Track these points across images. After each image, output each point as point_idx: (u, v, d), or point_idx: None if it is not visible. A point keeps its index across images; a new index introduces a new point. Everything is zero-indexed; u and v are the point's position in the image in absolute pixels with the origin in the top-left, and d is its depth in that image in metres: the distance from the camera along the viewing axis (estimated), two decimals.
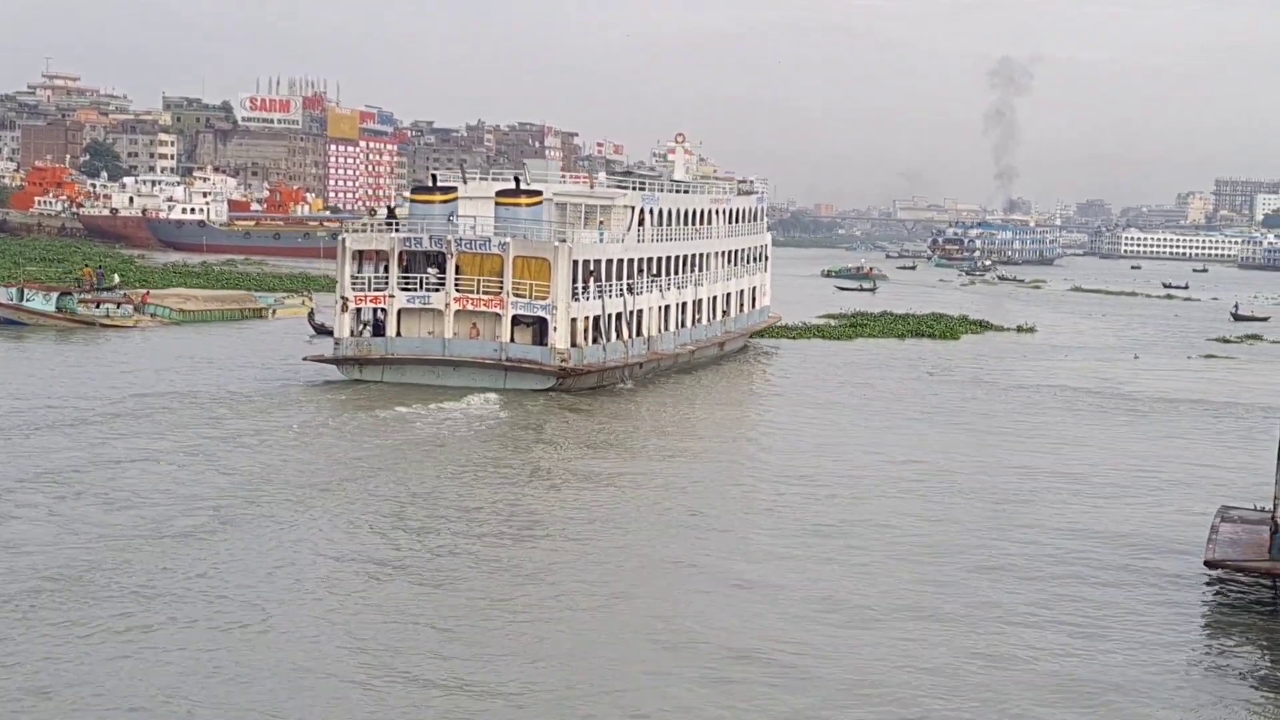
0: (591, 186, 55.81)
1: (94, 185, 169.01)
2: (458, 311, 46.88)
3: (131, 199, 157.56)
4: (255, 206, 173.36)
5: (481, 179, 57.80)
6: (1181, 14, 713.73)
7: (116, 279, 71.20)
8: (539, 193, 49.38)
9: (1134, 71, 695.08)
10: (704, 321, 59.41)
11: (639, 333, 52.08)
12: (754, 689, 19.93)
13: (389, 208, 54.04)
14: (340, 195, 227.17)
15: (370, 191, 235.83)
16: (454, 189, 50.67)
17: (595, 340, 48.68)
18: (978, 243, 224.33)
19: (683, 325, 56.83)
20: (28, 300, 61.33)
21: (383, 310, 47.69)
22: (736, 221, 65.62)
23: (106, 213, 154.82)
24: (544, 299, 46.68)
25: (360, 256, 48.36)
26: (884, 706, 19.46)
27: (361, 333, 47.87)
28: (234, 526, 27.12)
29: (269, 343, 58.68)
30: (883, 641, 22.08)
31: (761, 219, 71.26)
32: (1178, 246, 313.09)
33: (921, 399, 50.18)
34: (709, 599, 24.16)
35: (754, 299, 67.34)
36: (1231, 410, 50.47)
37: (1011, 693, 20.21)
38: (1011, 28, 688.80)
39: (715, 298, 61.11)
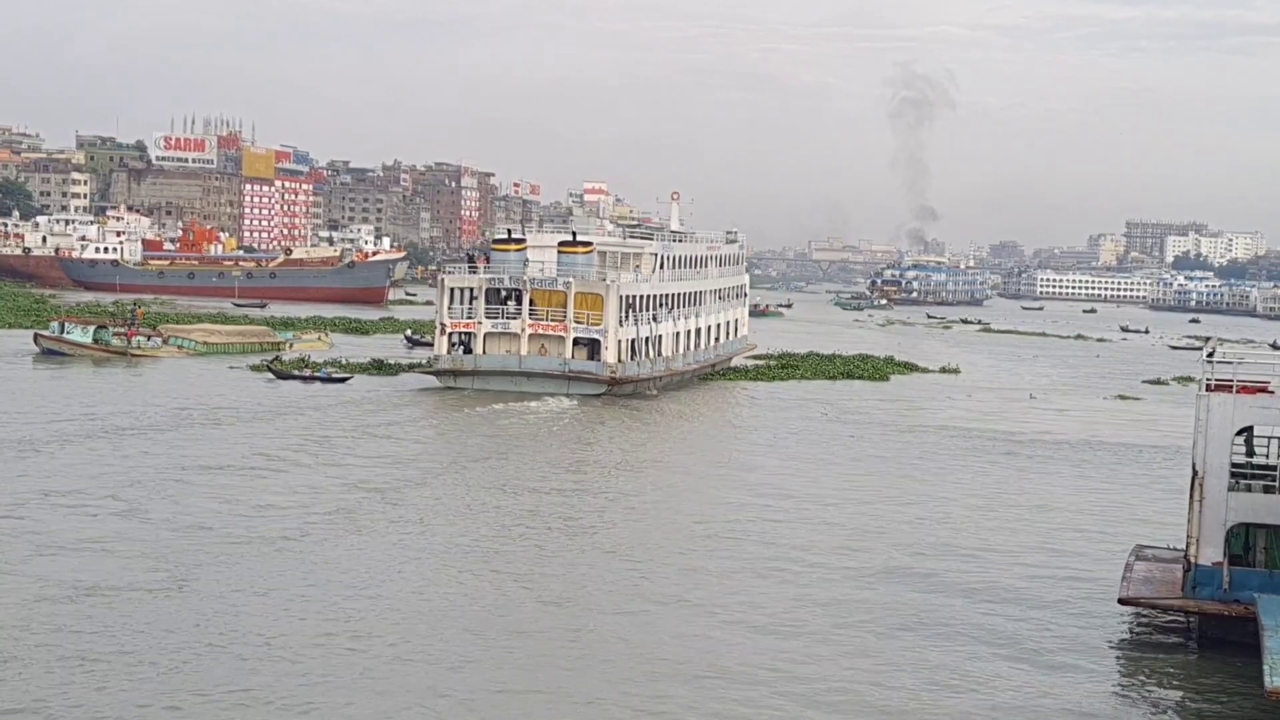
0: (626, 237, 75.05)
1: (6, 224, 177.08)
2: (530, 335, 65.78)
3: (44, 238, 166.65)
4: (169, 246, 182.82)
5: (541, 231, 77.20)
6: (1087, 60, 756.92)
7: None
8: (591, 243, 68.81)
9: (1043, 116, 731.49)
10: (703, 346, 78.93)
11: (660, 353, 71.29)
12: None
13: (469, 255, 73.23)
14: (255, 235, 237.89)
15: (286, 231, 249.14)
16: (524, 240, 70.02)
17: (633, 358, 67.74)
18: (915, 284, 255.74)
19: (689, 348, 76.21)
20: (67, 333, 75.86)
21: (470, 334, 66.30)
22: (725, 265, 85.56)
23: (19, 252, 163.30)
24: (598, 325, 65.80)
25: (453, 293, 66.99)
26: None
27: (454, 351, 66.37)
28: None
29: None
30: (808, 674, 24.75)
31: (742, 263, 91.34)
32: (1090, 288, 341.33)
33: (852, 441, 55.81)
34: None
35: (736, 329, 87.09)
36: (1147, 451, 55.36)
37: None
38: (921, 73, 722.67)
39: (710, 327, 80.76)
